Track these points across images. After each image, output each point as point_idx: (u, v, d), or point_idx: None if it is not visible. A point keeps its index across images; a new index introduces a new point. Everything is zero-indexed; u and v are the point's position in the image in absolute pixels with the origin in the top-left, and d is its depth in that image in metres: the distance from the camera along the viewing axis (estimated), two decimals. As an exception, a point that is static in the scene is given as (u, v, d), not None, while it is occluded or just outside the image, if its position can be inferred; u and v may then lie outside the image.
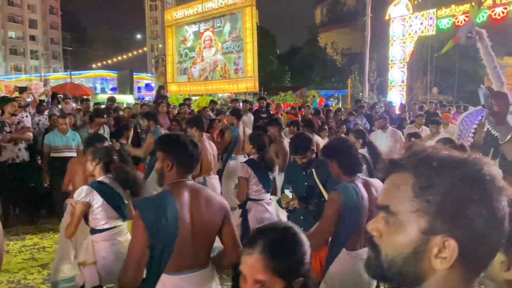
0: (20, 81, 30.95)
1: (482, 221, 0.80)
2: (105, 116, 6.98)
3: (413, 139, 5.28)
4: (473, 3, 6.51)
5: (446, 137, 4.28)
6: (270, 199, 4.41)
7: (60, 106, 9.24)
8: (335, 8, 60.83)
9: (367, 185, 2.72)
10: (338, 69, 45.26)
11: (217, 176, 5.54)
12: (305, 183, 3.65)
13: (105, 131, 6.79)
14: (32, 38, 66.37)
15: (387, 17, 19.29)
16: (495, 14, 15.22)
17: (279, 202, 3.79)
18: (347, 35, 48.17)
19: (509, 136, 2.13)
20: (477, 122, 6.87)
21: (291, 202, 3.50)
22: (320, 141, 6.56)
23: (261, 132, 4.88)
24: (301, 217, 3.59)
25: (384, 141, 7.28)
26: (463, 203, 0.81)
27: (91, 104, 10.72)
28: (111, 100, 10.10)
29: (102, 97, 23.84)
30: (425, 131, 7.83)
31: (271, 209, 4.33)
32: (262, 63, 28.30)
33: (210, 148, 5.41)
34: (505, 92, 2.15)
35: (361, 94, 23.30)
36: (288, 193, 3.57)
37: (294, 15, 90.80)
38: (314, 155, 3.81)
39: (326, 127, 8.75)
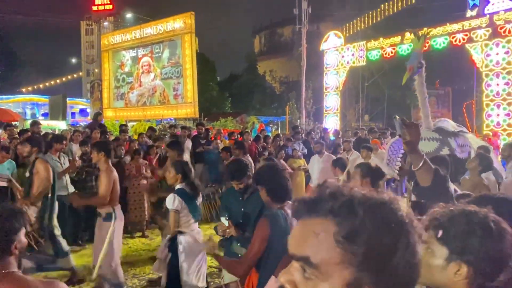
0: None
1: (407, 267, 0.77)
2: (64, 142, 6.63)
3: (328, 180, 5.41)
4: (419, 33, 7.02)
5: (362, 162, 4.49)
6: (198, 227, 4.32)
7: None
8: (273, 38, 62.84)
9: None
10: (276, 96, 46.39)
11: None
12: (242, 209, 3.62)
13: (65, 158, 6.47)
14: (-46, 59, 61.83)
15: (321, 48, 20.24)
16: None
17: (215, 229, 3.72)
18: (285, 63, 49.75)
19: (420, 163, 2.32)
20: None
21: (227, 230, 3.45)
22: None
23: (183, 160, 4.75)
24: (238, 244, 3.56)
25: (321, 166, 7.53)
26: (389, 252, 0.76)
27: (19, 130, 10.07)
28: (35, 124, 9.53)
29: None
30: (354, 155, 8.25)
31: (200, 238, 4.19)
32: (202, 89, 28.36)
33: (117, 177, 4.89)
34: (416, 123, 2.36)
35: (298, 120, 23.99)
36: (224, 220, 3.52)
37: (234, 43, 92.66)
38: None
39: (266, 152, 8.93)
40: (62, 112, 23.43)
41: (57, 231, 5.27)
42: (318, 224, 0.79)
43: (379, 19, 19.59)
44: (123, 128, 10.31)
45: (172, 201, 3.97)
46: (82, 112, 38.33)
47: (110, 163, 4.85)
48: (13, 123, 14.18)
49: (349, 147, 8.65)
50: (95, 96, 27.91)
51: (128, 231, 7.24)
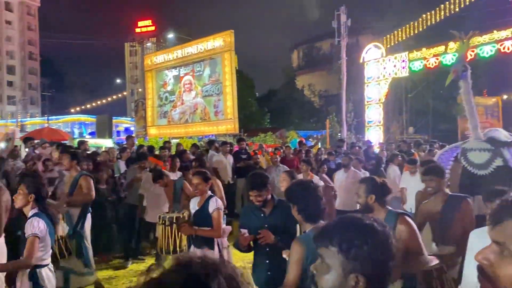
0: (-4, 127, 30.44)
1: None
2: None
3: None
4: (463, 40, 6.78)
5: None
6: None
7: (37, 151, 9.07)
8: (311, 52, 62.82)
9: None
10: (316, 110, 46.11)
11: None
12: (266, 226, 3.42)
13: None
14: (10, 83, 65.94)
15: (361, 60, 19.98)
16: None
17: (236, 244, 3.62)
18: (324, 77, 49.48)
19: None
20: (453, 159, 7.03)
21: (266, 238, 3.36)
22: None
23: None
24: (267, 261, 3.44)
25: (345, 182, 7.22)
26: None
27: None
28: (83, 143, 9.93)
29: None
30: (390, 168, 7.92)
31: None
32: (242, 105, 28.62)
33: None
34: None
35: (339, 134, 23.68)
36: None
37: (272, 59, 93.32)
38: (270, 195, 3.59)
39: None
40: (108, 131, 24.32)
41: (87, 243, 5.36)
42: None
43: (420, 29, 19.11)
44: (166, 145, 10.55)
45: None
46: (127, 130, 39.61)
47: None
48: (64, 142, 14.82)
49: (400, 162, 8.16)
50: (139, 114, 28.81)
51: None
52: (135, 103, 31.68)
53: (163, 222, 4.96)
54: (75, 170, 5.46)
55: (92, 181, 5.41)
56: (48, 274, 3.36)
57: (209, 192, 4.32)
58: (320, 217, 2.64)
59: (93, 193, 5.40)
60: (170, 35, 45.06)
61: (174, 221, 4.88)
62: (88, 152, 8.90)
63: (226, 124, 20.34)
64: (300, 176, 6.68)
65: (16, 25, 67.05)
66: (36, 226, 3.13)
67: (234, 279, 0.83)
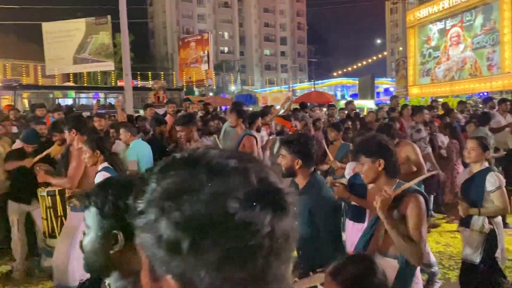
0: (273, 93, 35.36)
1: None
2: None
3: None
4: None
5: None
6: None
7: (307, 113, 10.16)
8: None
9: None
10: None
11: None
12: None
13: None
14: (282, 53, 74.98)
15: None
16: None
17: None
18: None
19: None
20: None
21: None
22: None
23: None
24: None
25: None
26: None
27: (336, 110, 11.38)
28: (349, 103, 10.50)
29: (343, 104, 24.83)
30: None
31: None
32: (524, 56, 24.23)
33: None
34: None
35: None
36: None
37: None
38: None
39: None
40: (370, 92, 24.90)
41: None
42: None
43: None
44: (433, 105, 10.12)
45: None
46: (386, 91, 39.50)
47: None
48: (330, 103, 16.01)
49: None
50: (400, 74, 28.32)
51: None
52: (395, 63, 31.29)
53: None
54: (240, 128, 5.58)
55: (255, 141, 5.49)
56: None
57: None
58: (399, 172, 2.52)
59: (255, 152, 5.42)
60: (434, -15, 41.60)
61: None
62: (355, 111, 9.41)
63: (503, 79, 17.88)
64: None
65: (287, -1, 74.98)
66: None
67: None
